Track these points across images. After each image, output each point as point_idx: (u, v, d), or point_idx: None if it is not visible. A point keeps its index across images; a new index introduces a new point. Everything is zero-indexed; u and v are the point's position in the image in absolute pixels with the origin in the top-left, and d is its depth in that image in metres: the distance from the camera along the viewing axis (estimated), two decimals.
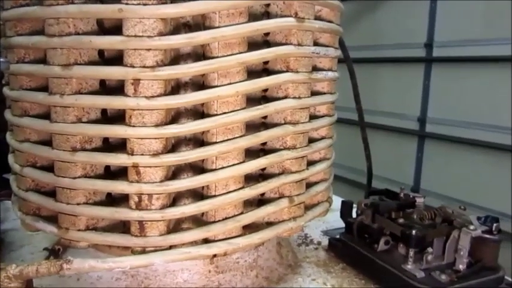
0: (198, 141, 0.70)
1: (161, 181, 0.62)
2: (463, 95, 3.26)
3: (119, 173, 0.68)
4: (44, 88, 0.65)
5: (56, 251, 0.87)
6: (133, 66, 0.59)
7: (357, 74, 1.04)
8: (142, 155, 0.61)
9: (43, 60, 0.63)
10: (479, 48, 3.10)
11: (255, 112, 0.65)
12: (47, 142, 0.66)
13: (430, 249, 0.76)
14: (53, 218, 0.69)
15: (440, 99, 3.47)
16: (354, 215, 0.92)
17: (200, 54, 0.66)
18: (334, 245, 0.92)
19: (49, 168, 0.68)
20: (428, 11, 3.49)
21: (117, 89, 0.64)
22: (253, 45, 0.67)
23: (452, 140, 3.34)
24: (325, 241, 0.98)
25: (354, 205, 0.93)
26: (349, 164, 3.58)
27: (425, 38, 3.52)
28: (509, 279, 0.79)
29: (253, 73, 0.70)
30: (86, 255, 0.75)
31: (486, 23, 3.05)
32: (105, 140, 0.67)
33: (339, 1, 0.77)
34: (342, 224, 0.94)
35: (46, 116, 0.65)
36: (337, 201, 0.93)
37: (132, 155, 0.61)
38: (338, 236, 0.92)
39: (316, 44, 0.74)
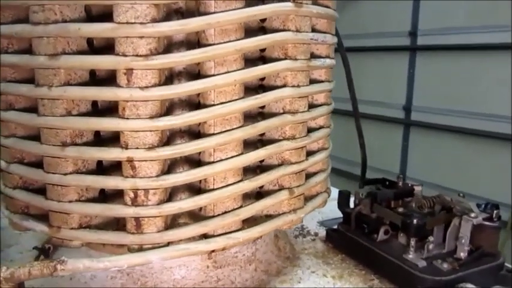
0: (193, 133, 0.67)
1: (157, 175, 0.60)
2: (447, 83, 3.29)
3: (111, 168, 0.65)
4: (29, 80, 0.61)
5: (46, 250, 0.83)
6: (126, 55, 0.56)
7: (341, 62, 1.01)
8: (137, 148, 0.58)
9: (28, 50, 0.60)
10: (463, 36, 3.12)
11: (254, 101, 0.63)
12: (35, 137, 0.63)
13: (431, 238, 0.75)
14: (42, 217, 0.66)
15: (425, 87, 3.49)
16: (351, 205, 0.90)
17: (194, 42, 0.64)
18: (332, 235, 0.91)
19: (38, 164, 0.64)
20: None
21: (107, 79, 0.61)
22: (248, 31, 0.65)
23: (438, 127, 3.38)
24: (322, 232, 0.96)
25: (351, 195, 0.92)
26: (338, 154, 3.58)
27: (410, 27, 3.53)
28: (509, 265, 0.78)
29: (248, 61, 0.67)
30: (78, 254, 0.73)
31: (470, 11, 3.07)
32: (97, 133, 0.64)
33: None
34: (337, 214, 0.93)
35: (33, 109, 0.62)
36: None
37: (127, 148, 0.58)
38: (336, 227, 0.91)
39: (313, 30, 0.71)
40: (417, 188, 0.86)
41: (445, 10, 3.25)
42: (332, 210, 0.96)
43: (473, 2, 3.01)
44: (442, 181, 3.24)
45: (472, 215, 0.74)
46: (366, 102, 3.86)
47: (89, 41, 0.62)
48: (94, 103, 0.63)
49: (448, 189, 3.17)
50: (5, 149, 0.67)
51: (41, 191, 0.65)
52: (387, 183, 0.90)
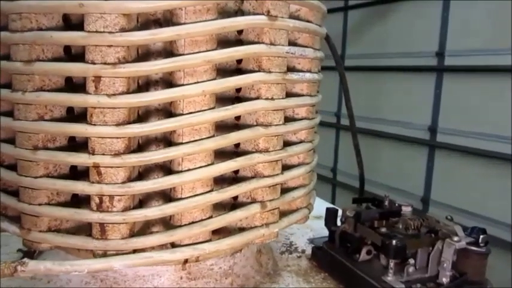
0: (168, 141, 0.68)
1: (123, 182, 0.60)
2: (474, 105, 3.19)
3: (85, 174, 0.66)
4: (11, 85, 0.64)
5: (32, 253, 0.85)
6: (94, 63, 0.57)
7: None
8: (103, 154, 0.59)
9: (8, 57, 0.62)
10: (491, 58, 3.03)
11: (223, 113, 0.63)
12: (13, 140, 0.65)
13: (411, 261, 0.73)
14: (17, 218, 0.67)
15: (451, 108, 3.39)
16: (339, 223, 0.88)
17: (170, 51, 0.64)
18: (317, 254, 0.89)
19: (16, 167, 0.66)
20: (440, 20, 3.43)
21: (82, 86, 0.63)
22: (226, 43, 0.65)
23: (464, 150, 3.26)
24: (309, 250, 0.94)
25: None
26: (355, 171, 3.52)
27: (437, 47, 3.46)
28: None
29: (226, 72, 0.68)
30: (59, 258, 0.74)
31: (498, 32, 2.98)
32: (72, 139, 0.66)
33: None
34: None
35: (12, 113, 0.64)
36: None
37: (93, 154, 0.59)
38: (321, 245, 0.89)
39: (294, 44, 0.71)
40: (405, 209, 0.83)
41: (473, 31, 3.17)
42: (325, 228, 0.94)
43: (502, 24, 2.93)
44: (467, 206, 3.13)
45: (455, 238, 0.71)
46: (390, 122, 3.79)
47: (68, 49, 0.64)
48: (70, 109, 0.65)
49: (474, 215, 3.06)
50: None
51: (16, 193, 0.66)
52: (376, 202, 0.88)
